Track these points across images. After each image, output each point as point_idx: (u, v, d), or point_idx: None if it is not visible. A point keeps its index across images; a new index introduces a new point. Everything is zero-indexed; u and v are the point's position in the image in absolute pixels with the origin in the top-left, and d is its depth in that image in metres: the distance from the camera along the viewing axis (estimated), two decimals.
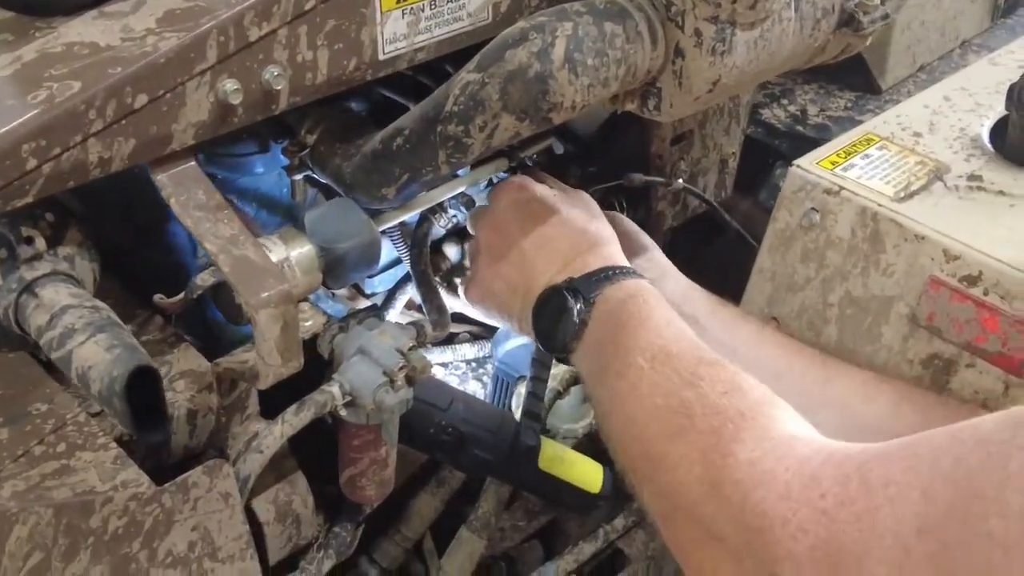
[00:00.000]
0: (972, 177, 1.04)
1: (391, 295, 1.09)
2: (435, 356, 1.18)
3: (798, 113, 1.31)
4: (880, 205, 0.99)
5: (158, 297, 0.85)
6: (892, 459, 0.62)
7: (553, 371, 1.08)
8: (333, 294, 1.13)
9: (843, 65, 1.09)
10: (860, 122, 1.31)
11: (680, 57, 0.82)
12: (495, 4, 0.88)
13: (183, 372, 0.88)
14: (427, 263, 1.02)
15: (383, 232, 0.99)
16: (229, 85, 0.75)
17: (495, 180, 1.06)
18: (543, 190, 0.99)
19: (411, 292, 1.09)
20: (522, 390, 1.11)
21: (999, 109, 1.10)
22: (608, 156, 1.16)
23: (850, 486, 0.62)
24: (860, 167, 1.05)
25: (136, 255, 0.98)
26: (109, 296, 0.92)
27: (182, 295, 0.83)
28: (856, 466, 0.63)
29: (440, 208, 1.01)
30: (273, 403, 0.89)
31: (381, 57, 0.83)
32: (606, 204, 1.16)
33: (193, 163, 0.78)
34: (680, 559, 0.75)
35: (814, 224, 1.04)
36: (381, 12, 0.81)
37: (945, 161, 1.06)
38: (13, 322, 0.75)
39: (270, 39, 0.76)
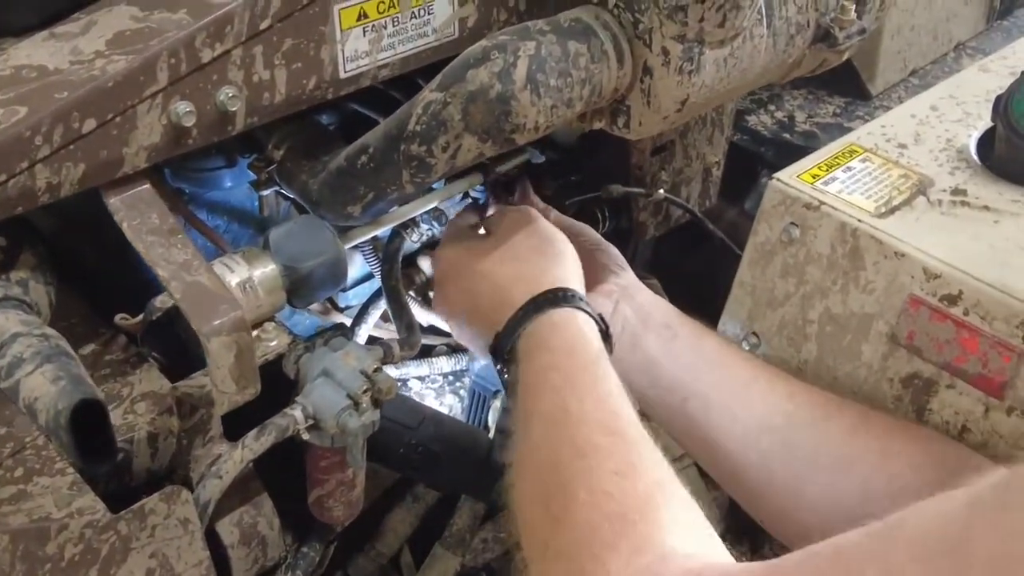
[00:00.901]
0: (956, 191, 1.02)
1: (364, 309, 1.08)
2: (412, 369, 1.17)
3: (785, 119, 1.29)
4: (860, 221, 0.97)
5: (119, 318, 0.84)
6: None
7: None
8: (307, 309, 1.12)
9: (832, 70, 1.07)
10: (848, 129, 1.29)
11: (648, 75, 0.81)
12: (462, 19, 0.86)
13: (144, 394, 0.86)
14: (398, 278, 1.00)
15: (355, 246, 0.98)
16: (182, 107, 0.74)
17: (471, 194, 1.04)
18: (467, 246, 0.97)
19: (384, 306, 1.07)
20: (499, 405, 1.10)
21: (987, 119, 1.07)
22: (588, 166, 1.14)
23: None
24: (841, 180, 1.02)
25: (102, 271, 0.97)
26: (73, 314, 0.91)
27: (141, 316, 0.82)
28: None
29: (412, 223, 1.00)
30: (240, 419, 0.87)
31: (342, 75, 0.81)
32: (587, 214, 1.14)
33: (147, 186, 0.77)
34: None
35: (794, 239, 1.02)
36: (341, 30, 0.79)
37: (929, 174, 1.04)
38: None
39: (224, 60, 0.74)
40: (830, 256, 0.99)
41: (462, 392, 1.18)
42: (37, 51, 0.74)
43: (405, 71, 0.86)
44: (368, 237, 0.96)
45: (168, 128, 0.74)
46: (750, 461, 0.92)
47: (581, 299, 0.87)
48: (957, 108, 1.14)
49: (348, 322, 1.10)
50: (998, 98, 1.01)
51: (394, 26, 0.82)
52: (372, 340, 1.09)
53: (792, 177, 1.03)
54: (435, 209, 1.00)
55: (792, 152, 1.24)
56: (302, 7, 0.76)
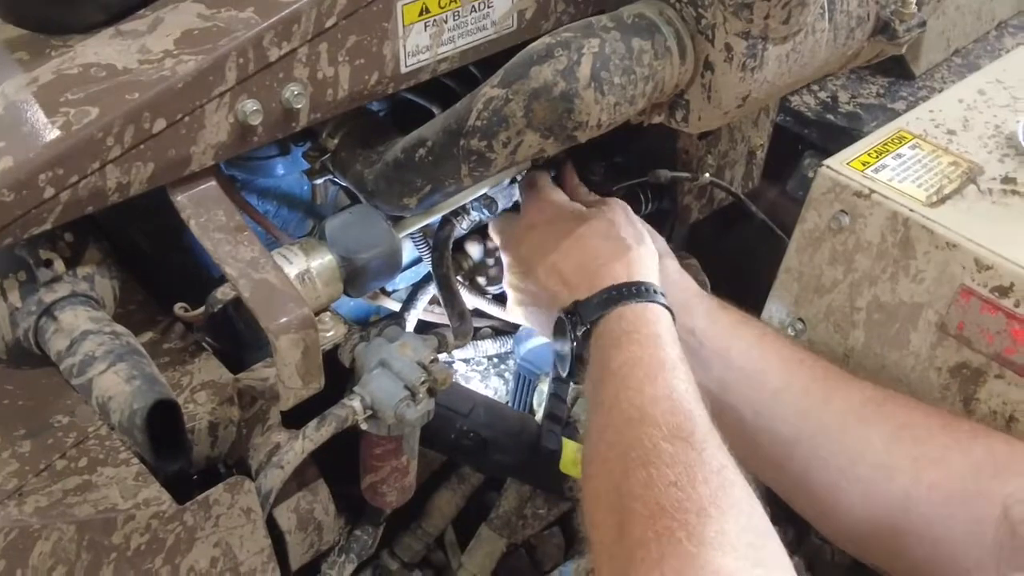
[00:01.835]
0: (1006, 180, 1.02)
1: (413, 294, 1.08)
2: (456, 352, 1.17)
3: (829, 100, 1.28)
4: (911, 210, 0.97)
5: (179, 307, 0.85)
6: None
7: None
8: None
9: None
10: (892, 110, 1.28)
11: (709, 71, 0.80)
12: (520, 11, 0.86)
13: (204, 383, 0.87)
14: (448, 266, 1.01)
15: (405, 236, 0.98)
16: (249, 106, 0.74)
17: (518, 179, 1.04)
18: (565, 206, 0.98)
19: (434, 290, 1.07)
20: (544, 388, 1.11)
21: None
22: (634, 149, 1.14)
23: None
24: (892, 168, 1.02)
25: (159, 259, 0.98)
26: (132, 302, 0.92)
27: (202, 308, 0.83)
28: None
29: (462, 210, 1.00)
30: (295, 407, 0.88)
31: (403, 70, 0.81)
32: (630, 195, 1.14)
33: (213, 183, 0.77)
34: None
35: (843, 227, 1.02)
36: (403, 26, 0.79)
37: (979, 162, 1.04)
38: (33, 344, 0.75)
39: (290, 58, 0.74)
40: (880, 245, 0.99)
41: (507, 375, 1.19)
42: (105, 49, 0.74)
43: (464, 64, 0.86)
44: (421, 226, 0.97)
45: (235, 126, 0.74)
46: (786, 470, 0.93)
47: (666, 298, 0.90)
48: (1004, 92, 1.14)
49: (395, 305, 1.11)
50: None
51: (454, 20, 0.82)
52: (422, 324, 1.10)
53: (842, 164, 1.03)
54: (484, 196, 1.01)
55: (835, 133, 1.24)
56: (367, 4, 0.76)
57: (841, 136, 1.21)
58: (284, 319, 0.74)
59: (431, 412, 0.90)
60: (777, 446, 0.93)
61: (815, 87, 1.29)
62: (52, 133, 0.68)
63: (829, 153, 1.08)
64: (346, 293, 0.90)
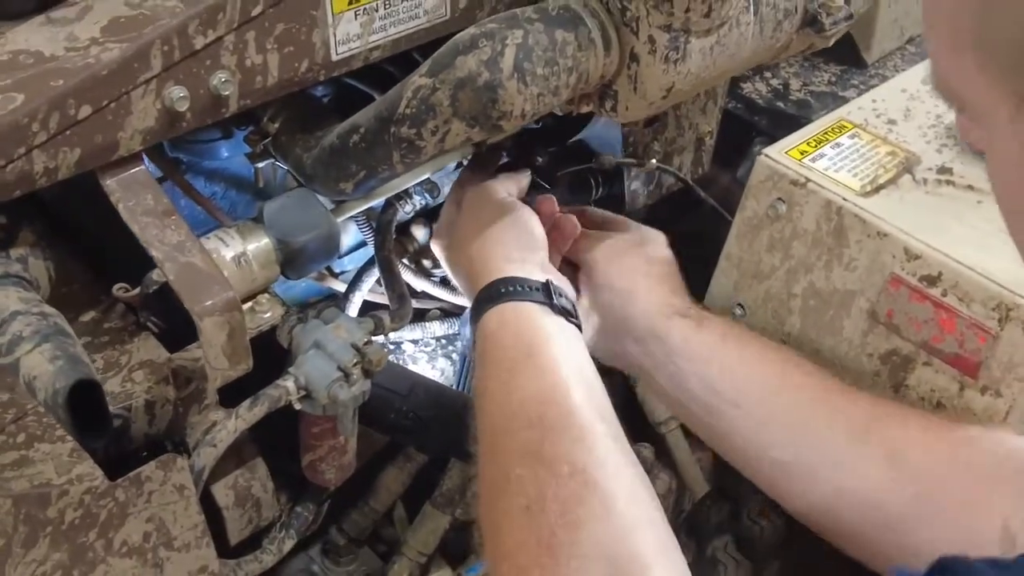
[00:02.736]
0: (942, 170, 1.04)
1: (358, 276, 1.10)
2: (405, 333, 1.19)
3: (780, 87, 1.29)
4: (845, 199, 0.99)
5: (118, 288, 0.87)
6: None
7: None
8: None
9: None
10: (842, 98, 1.29)
11: (635, 62, 0.82)
12: (453, 0, 0.87)
13: (142, 363, 0.89)
14: (391, 250, 1.02)
15: (347, 218, 1.00)
16: (176, 92, 0.75)
17: (464, 162, 1.06)
18: (483, 194, 0.98)
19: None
20: None
21: None
22: (580, 135, 1.16)
23: None
24: (829, 157, 1.04)
25: (103, 238, 0.99)
26: (75, 281, 0.93)
27: (138, 290, 0.85)
28: None
29: (406, 194, 1.02)
30: (235, 384, 0.90)
31: (334, 58, 0.83)
32: (581, 182, 1.15)
33: (142, 167, 0.79)
34: None
35: (780, 215, 1.03)
36: (333, 14, 0.81)
37: (916, 151, 1.06)
38: None
39: (216, 46, 0.76)
40: (815, 233, 1.01)
41: (454, 356, 1.21)
42: (34, 36, 0.75)
43: (396, 52, 0.87)
44: (361, 210, 0.99)
45: (162, 112, 0.76)
46: (760, 460, 0.92)
47: (529, 288, 0.87)
48: None
49: (342, 287, 1.12)
50: None
51: (385, 8, 0.83)
52: (369, 305, 1.12)
53: (780, 153, 1.04)
54: (427, 180, 1.02)
55: (785, 121, 1.25)
56: None
57: (791, 123, 1.22)
58: (208, 302, 0.75)
59: (366, 393, 0.92)
60: (751, 439, 0.91)
61: (767, 74, 1.30)
62: None
63: (779, 140, 1.09)
64: (284, 275, 0.91)
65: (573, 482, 0.72)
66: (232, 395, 0.92)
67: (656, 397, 0.98)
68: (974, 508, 0.80)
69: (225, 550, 0.94)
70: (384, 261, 1.02)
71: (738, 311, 1.10)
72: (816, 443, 0.87)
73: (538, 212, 0.98)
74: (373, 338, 0.91)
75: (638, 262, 0.98)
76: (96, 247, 0.98)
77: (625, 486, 0.73)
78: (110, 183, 0.77)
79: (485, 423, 0.80)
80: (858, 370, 1.00)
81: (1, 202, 0.75)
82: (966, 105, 0.53)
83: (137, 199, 0.78)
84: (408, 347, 1.18)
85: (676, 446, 1.25)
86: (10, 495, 0.78)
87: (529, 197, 1.01)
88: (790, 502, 0.91)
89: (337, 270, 1.14)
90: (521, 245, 0.92)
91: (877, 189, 1.00)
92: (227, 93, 0.78)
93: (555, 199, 1.01)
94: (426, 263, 1.12)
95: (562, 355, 0.82)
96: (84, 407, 0.74)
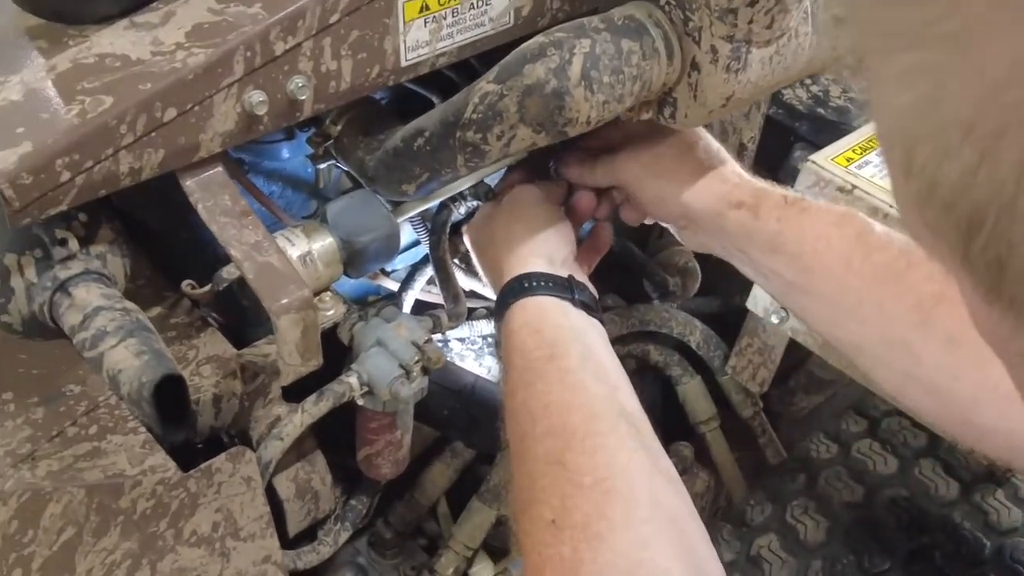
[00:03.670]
0: None
1: (412, 274, 1.12)
2: (452, 332, 1.22)
3: (820, 94, 1.31)
4: (891, 206, 1.01)
5: (187, 285, 0.89)
6: None
7: None
8: None
9: None
10: None
11: (696, 71, 0.84)
12: (517, 8, 0.89)
13: (209, 357, 0.92)
14: (446, 250, 1.05)
15: (404, 219, 1.02)
16: (255, 97, 0.78)
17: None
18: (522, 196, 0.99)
19: (430, 271, 1.12)
20: None
21: None
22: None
23: None
24: (875, 164, 1.06)
25: (168, 236, 1.02)
26: (141, 278, 0.96)
27: (209, 287, 0.87)
28: None
29: (460, 196, 1.04)
30: (295, 382, 0.92)
31: (403, 64, 0.85)
32: None
33: (220, 169, 0.81)
34: None
35: None
36: (404, 22, 0.83)
37: None
38: (48, 318, 0.79)
39: (295, 52, 0.78)
40: None
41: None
42: (119, 40, 0.78)
43: (462, 58, 0.90)
44: (419, 211, 1.01)
45: (242, 115, 0.78)
46: (837, 342, 0.90)
47: (551, 283, 0.88)
48: None
49: (394, 285, 1.15)
50: None
51: (453, 17, 0.86)
52: (419, 304, 1.15)
53: (827, 160, 1.06)
54: (482, 183, 1.04)
55: (826, 127, 1.27)
56: (369, 1, 0.80)
57: (831, 130, 1.25)
58: (285, 300, 0.78)
59: (424, 389, 0.94)
60: (851, 351, 0.90)
61: (808, 81, 1.32)
62: (69, 120, 0.72)
63: (819, 146, 1.11)
64: (346, 274, 0.94)
65: (595, 492, 0.72)
66: (291, 391, 0.95)
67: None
68: None
69: (284, 541, 0.97)
70: (439, 261, 1.04)
71: (781, 313, 1.12)
72: (881, 327, 0.84)
73: (576, 208, 1.00)
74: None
75: (674, 165, 0.95)
76: (156, 244, 1.00)
77: (646, 491, 0.73)
78: (190, 184, 0.80)
79: (513, 427, 0.81)
80: None
81: (83, 201, 0.77)
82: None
83: (215, 200, 0.80)
84: (455, 345, 1.20)
85: (715, 445, 1.28)
86: (84, 485, 0.81)
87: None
88: (870, 383, 0.90)
89: (388, 268, 1.16)
90: (548, 244, 0.93)
91: None
92: (303, 98, 0.80)
93: (593, 197, 1.03)
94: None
95: (583, 355, 0.82)
96: (165, 401, 0.77)
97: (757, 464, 1.27)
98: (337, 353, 0.96)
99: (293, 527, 0.98)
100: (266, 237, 0.80)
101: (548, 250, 0.92)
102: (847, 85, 1.34)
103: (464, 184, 1.01)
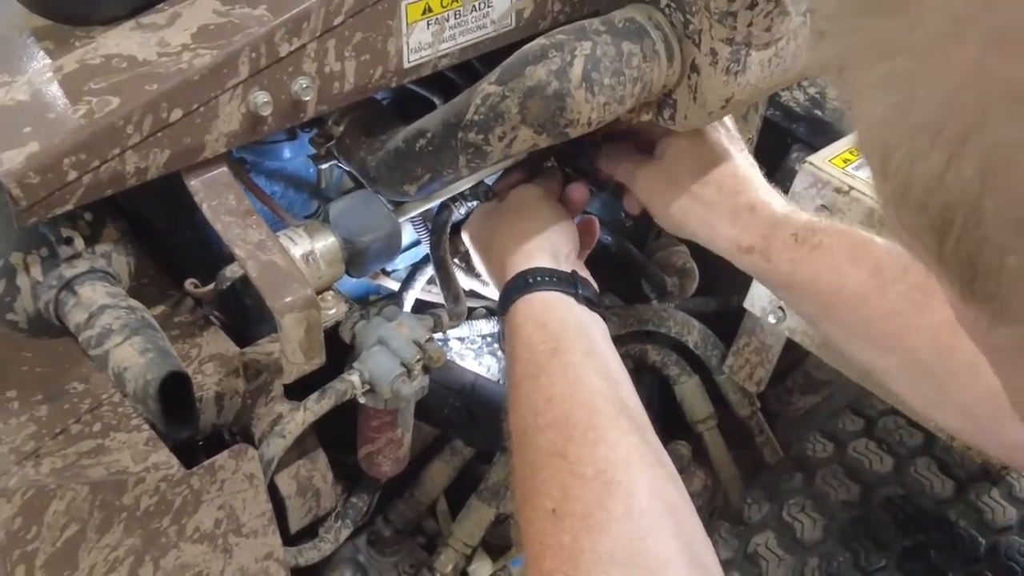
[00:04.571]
0: None
1: (412, 274, 1.13)
2: (452, 331, 1.22)
3: (817, 96, 1.32)
4: None
5: (190, 283, 0.90)
6: None
7: None
8: None
9: None
10: None
11: (696, 73, 0.85)
12: (518, 11, 0.90)
13: (212, 356, 0.92)
14: (446, 250, 1.06)
15: (404, 219, 1.03)
16: (260, 97, 0.78)
17: None
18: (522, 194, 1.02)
19: (431, 271, 1.12)
20: None
21: None
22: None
23: None
24: None
25: (172, 236, 1.03)
26: (145, 277, 0.97)
27: (212, 285, 0.88)
28: None
29: (460, 197, 1.05)
30: (296, 380, 0.93)
31: (406, 65, 0.86)
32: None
33: (224, 169, 0.82)
34: None
35: None
36: (407, 24, 0.84)
37: None
38: (53, 316, 0.80)
39: (299, 53, 0.79)
40: None
41: (499, 353, 1.24)
42: (125, 41, 0.78)
43: (464, 59, 0.90)
44: (420, 211, 1.02)
45: (247, 116, 0.79)
46: (861, 365, 0.92)
47: (555, 278, 0.90)
48: None
49: (395, 285, 1.16)
50: None
51: (456, 19, 0.87)
52: (419, 304, 1.15)
53: (824, 161, 1.07)
54: (482, 183, 1.05)
55: (823, 129, 1.28)
56: (373, 3, 0.80)
57: (828, 131, 1.25)
58: (289, 298, 0.79)
59: (425, 388, 0.95)
60: (876, 375, 0.90)
61: (805, 83, 1.33)
62: (76, 120, 0.73)
63: (816, 148, 1.12)
64: (348, 273, 0.95)
65: (596, 483, 0.74)
66: (293, 389, 0.96)
67: None
68: None
69: (285, 538, 0.98)
70: (440, 261, 1.05)
71: (779, 313, 1.13)
72: (903, 355, 0.85)
73: (569, 200, 1.02)
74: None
75: (690, 203, 0.96)
76: (162, 246, 1.01)
77: (646, 483, 0.74)
78: (194, 183, 0.80)
79: (516, 420, 0.82)
80: None
81: (89, 200, 0.78)
82: None
83: (220, 199, 0.81)
84: (455, 344, 1.21)
85: (713, 444, 1.28)
86: (87, 482, 0.82)
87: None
88: (900, 405, 0.91)
89: (389, 268, 1.17)
90: (552, 240, 0.95)
91: None
92: (307, 99, 0.81)
93: (586, 190, 1.04)
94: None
95: (586, 350, 0.84)
96: (170, 398, 0.77)
97: (754, 463, 1.28)
98: (339, 352, 0.97)
99: (295, 524, 0.99)
100: (269, 236, 0.81)
101: (552, 246, 0.94)
102: None
103: (465, 185, 1.02)
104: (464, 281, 1.17)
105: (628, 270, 1.23)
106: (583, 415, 0.78)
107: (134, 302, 0.80)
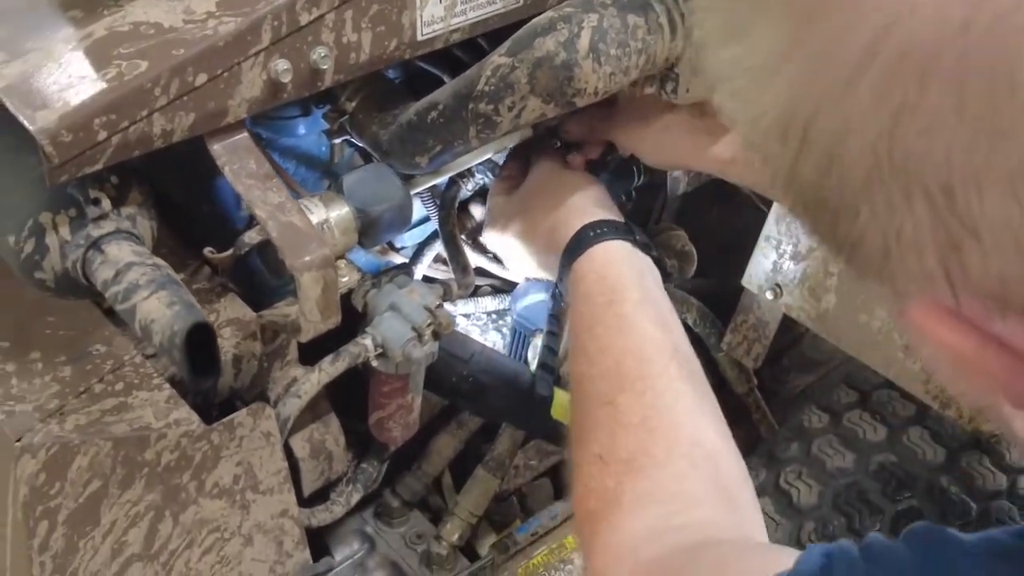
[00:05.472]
0: None
1: (420, 250, 1.17)
2: (458, 307, 1.26)
3: None
4: None
5: (208, 251, 0.93)
6: None
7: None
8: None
9: None
10: None
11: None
12: None
13: (229, 320, 0.96)
14: (455, 224, 1.09)
15: (414, 194, 1.06)
16: (280, 65, 0.82)
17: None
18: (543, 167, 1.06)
19: (438, 248, 1.16)
20: (538, 342, 1.19)
21: None
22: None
23: None
24: None
25: (187, 207, 1.06)
26: (163, 246, 1.00)
27: (231, 251, 0.91)
28: None
29: (468, 172, 1.08)
30: (310, 344, 0.96)
31: (419, 38, 0.90)
32: (624, 170, 1.22)
33: (245, 134, 0.85)
34: None
35: None
36: None
37: None
38: (80, 275, 0.83)
39: (319, 23, 0.82)
40: None
41: (504, 330, 1.27)
42: (152, 9, 0.82)
43: (473, 35, 0.94)
44: (430, 185, 1.05)
45: (267, 83, 0.83)
46: None
47: (615, 228, 0.94)
48: None
49: (403, 261, 1.19)
50: None
51: None
52: (426, 279, 1.19)
53: None
54: (489, 160, 1.09)
55: None
56: None
57: None
58: (308, 257, 0.82)
59: (435, 354, 0.98)
60: None
61: None
62: (106, 82, 0.77)
63: None
64: (360, 243, 0.98)
65: (641, 430, 0.79)
66: (307, 355, 0.99)
67: None
68: None
69: (299, 500, 1.01)
70: (448, 235, 1.09)
71: (776, 290, 1.16)
72: None
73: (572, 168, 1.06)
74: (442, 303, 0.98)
75: (665, 134, 1.02)
76: (178, 218, 1.04)
77: (689, 429, 0.80)
78: (217, 147, 0.84)
79: (574, 368, 0.87)
80: (890, 344, 1.07)
81: (115, 163, 0.81)
82: None
83: (241, 163, 0.84)
84: (461, 321, 1.24)
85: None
86: (111, 437, 0.85)
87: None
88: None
89: (398, 246, 1.21)
90: (595, 196, 1.01)
91: None
92: (325, 68, 0.84)
93: (582, 158, 1.09)
94: (483, 239, 1.19)
95: (640, 300, 0.89)
96: (195, 351, 0.80)
97: (751, 440, 1.31)
98: (351, 321, 1.00)
99: (308, 486, 1.02)
100: (289, 199, 0.84)
101: (599, 201, 1.00)
102: None
103: (474, 160, 1.06)
104: (471, 257, 1.20)
105: None
106: (633, 364, 0.84)
107: (159, 260, 0.83)
